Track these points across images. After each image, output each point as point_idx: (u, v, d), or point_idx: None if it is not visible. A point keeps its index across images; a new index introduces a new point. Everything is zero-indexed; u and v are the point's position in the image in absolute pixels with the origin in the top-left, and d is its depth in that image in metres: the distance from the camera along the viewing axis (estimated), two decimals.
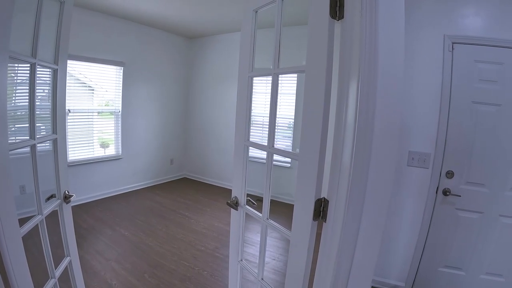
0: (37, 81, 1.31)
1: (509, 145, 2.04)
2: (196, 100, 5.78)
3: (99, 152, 4.56)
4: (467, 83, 2.12)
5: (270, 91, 1.32)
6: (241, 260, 1.66)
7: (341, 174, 1.02)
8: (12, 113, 1.88)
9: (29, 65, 1.27)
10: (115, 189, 4.73)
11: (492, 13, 2.04)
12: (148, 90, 5.07)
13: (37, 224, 1.31)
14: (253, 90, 1.49)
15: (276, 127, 1.37)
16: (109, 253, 2.91)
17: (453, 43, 2.11)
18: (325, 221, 1.08)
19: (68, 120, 3.93)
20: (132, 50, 4.66)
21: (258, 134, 4.49)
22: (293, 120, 4.59)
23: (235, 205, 1.56)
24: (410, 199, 2.34)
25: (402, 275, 2.43)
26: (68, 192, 1.57)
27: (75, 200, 3.62)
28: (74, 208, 3.40)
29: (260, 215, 1.42)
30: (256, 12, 1.40)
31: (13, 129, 1.72)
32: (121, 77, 4.59)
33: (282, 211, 2.18)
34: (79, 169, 4.18)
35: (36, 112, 1.33)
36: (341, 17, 0.98)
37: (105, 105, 4.62)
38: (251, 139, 1.54)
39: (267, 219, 1.41)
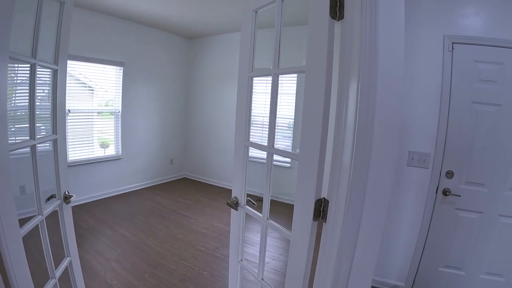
0: (37, 82, 1.31)
1: (509, 145, 2.04)
2: (196, 100, 5.78)
3: (99, 152, 4.56)
4: (467, 83, 2.12)
5: (270, 91, 1.32)
6: (241, 260, 1.66)
7: (341, 174, 1.02)
8: (12, 114, 1.88)
9: (29, 65, 1.27)
10: (115, 189, 4.73)
11: (492, 13, 2.04)
12: (148, 90, 5.07)
13: (37, 225, 1.30)
14: (253, 90, 1.49)
15: (276, 127, 1.37)
16: (109, 253, 2.91)
17: (453, 43, 2.11)
18: (325, 221, 1.08)
19: (68, 120, 3.93)
20: (132, 50, 4.66)
21: (258, 134, 4.49)
22: (293, 120, 4.59)
23: (235, 205, 1.56)
24: (410, 199, 2.34)
25: (402, 275, 2.44)
26: (68, 193, 1.57)
27: (75, 200, 3.62)
28: (74, 208, 3.40)
29: (260, 215, 1.42)
30: (256, 12, 1.40)
31: (13, 129, 1.72)
32: (121, 77, 4.59)
33: (282, 211, 2.18)
34: (79, 169, 4.18)
35: (36, 113, 1.32)
36: (341, 17, 0.99)
37: (105, 105, 4.62)
38: (251, 139, 1.54)
39: (267, 219, 1.41)
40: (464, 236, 2.22)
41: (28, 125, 1.31)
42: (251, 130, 1.54)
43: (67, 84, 1.58)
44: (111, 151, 4.73)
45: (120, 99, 4.64)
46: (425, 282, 2.38)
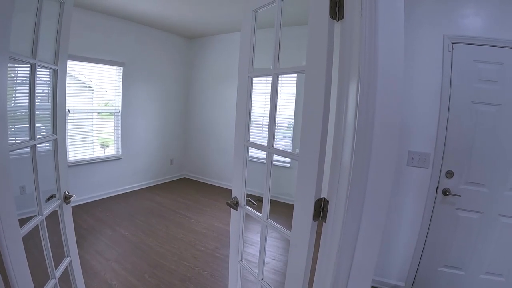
0: (37, 82, 1.31)
1: (508, 145, 2.05)
2: (196, 100, 5.78)
3: (99, 152, 4.56)
4: (466, 83, 2.12)
5: (270, 91, 1.32)
6: (241, 260, 1.66)
7: (341, 174, 1.02)
8: (12, 114, 1.88)
9: (29, 65, 1.27)
10: (115, 189, 4.73)
11: (492, 13, 2.04)
12: (148, 90, 5.07)
13: (37, 225, 1.31)
14: (253, 90, 1.49)
15: (276, 127, 1.37)
16: (109, 253, 2.91)
17: (452, 43, 2.11)
18: (325, 221, 1.09)
19: (68, 121, 3.93)
20: (132, 50, 4.66)
21: (258, 134, 4.49)
22: (293, 120, 4.59)
23: (235, 205, 1.57)
24: (410, 199, 2.34)
25: (402, 274, 2.44)
26: (68, 193, 1.57)
27: (75, 200, 3.62)
28: (74, 208, 3.40)
29: (260, 215, 1.42)
30: (256, 12, 1.40)
31: (13, 129, 1.72)
32: (121, 77, 4.59)
33: (282, 211, 2.18)
34: (79, 169, 4.18)
35: (36, 113, 1.33)
36: (341, 17, 0.99)
37: (105, 105, 4.62)
38: (251, 139, 1.54)
39: (267, 219, 1.41)
40: (464, 236, 2.22)
41: (28, 125, 1.31)
42: (251, 130, 1.54)
43: (67, 84, 1.58)
44: (111, 151, 4.73)
45: (120, 99, 4.64)
46: (425, 282, 2.38)
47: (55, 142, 1.49)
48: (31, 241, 1.25)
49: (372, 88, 0.93)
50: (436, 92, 2.18)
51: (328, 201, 1.07)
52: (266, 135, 1.37)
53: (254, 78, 1.47)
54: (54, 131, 1.49)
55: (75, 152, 4.17)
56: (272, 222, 1.39)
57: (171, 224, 3.72)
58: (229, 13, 4.04)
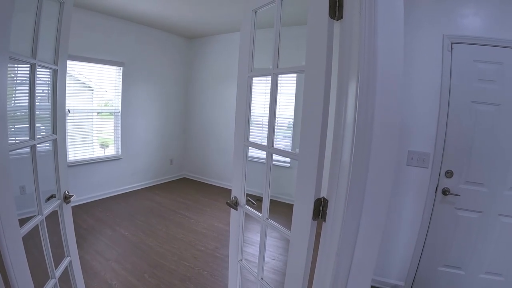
0: (37, 82, 1.31)
1: (508, 145, 2.05)
2: (196, 100, 5.79)
3: (99, 152, 4.56)
4: (466, 82, 2.12)
5: (269, 91, 1.32)
6: (241, 259, 1.66)
7: (340, 174, 1.02)
8: (12, 114, 1.88)
9: (29, 65, 1.27)
10: (115, 189, 4.73)
11: (491, 13, 2.04)
12: (147, 90, 5.07)
13: (37, 224, 1.31)
14: (253, 90, 1.50)
15: (275, 127, 1.37)
16: (109, 253, 2.91)
17: (452, 42, 2.11)
18: (324, 221, 1.09)
19: (68, 121, 3.93)
20: (131, 50, 4.66)
21: (258, 134, 4.49)
22: (292, 120, 4.59)
23: (234, 205, 1.57)
24: (410, 199, 2.34)
25: (402, 274, 2.44)
26: (68, 192, 1.57)
27: (75, 200, 3.62)
28: (74, 208, 3.40)
29: (260, 214, 1.43)
30: (255, 12, 1.40)
31: (13, 129, 1.72)
32: (121, 77, 4.59)
33: (282, 211, 2.18)
34: (79, 169, 4.18)
35: (36, 113, 1.33)
36: (340, 17, 0.99)
37: (104, 105, 4.62)
38: (251, 139, 1.55)
39: (267, 219, 1.41)
40: (464, 235, 2.22)
41: (28, 125, 1.32)
42: (250, 130, 1.54)
43: (67, 84, 1.58)
44: (111, 151, 4.73)
45: (120, 99, 4.64)
46: (424, 281, 2.38)
47: (55, 142, 1.50)
48: (31, 241, 1.25)
49: (371, 88, 0.93)
50: (435, 91, 2.18)
51: (327, 201, 1.07)
52: (266, 135, 1.37)
53: (253, 78, 1.48)
54: (54, 131, 1.49)
55: (75, 152, 4.17)
56: (271, 221, 1.39)
57: (171, 224, 3.72)
58: (229, 13, 4.05)
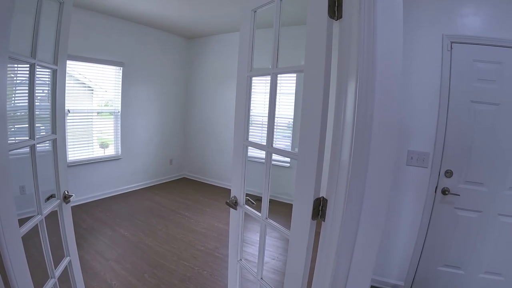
0: (37, 82, 1.31)
1: (507, 144, 2.05)
2: (196, 100, 5.79)
3: (98, 152, 4.56)
4: (466, 82, 2.12)
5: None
6: (241, 259, 1.67)
7: (339, 173, 1.02)
8: (12, 114, 1.89)
9: (28, 65, 1.27)
10: (115, 189, 4.73)
11: (491, 12, 2.05)
12: (147, 90, 5.07)
13: (37, 224, 1.31)
14: (253, 90, 1.50)
15: (275, 126, 1.37)
16: (109, 253, 2.91)
17: (452, 42, 2.11)
18: (324, 220, 1.09)
19: (68, 121, 3.93)
20: (131, 50, 4.66)
21: (258, 134, 4.49)
22: (292, 120, 4.59)
23: (234, 204, 1.57)
24: (409, 198, 2.34)
25: (402, 274, 2.44)
26: (67, 192, 1.57)
27: (75, 200, 3.62)
28: (74, 208, 3.40)
29: (259, 214, 1.43)
30: (255, 12, 1.40)
31: (13, 129, 1.72)
32: (121, 77, 4.59)
33: (281, 210, 2.18)
34: (78, 169, 4.18)
35: (36, 113, 1.33)
36: (339, 16, 0.99)
37: (104, 105, 4.62)
38: (250, 139, 1.55)
39: (266, 218, 1.41)
40: (463, 235, 2.22)
41: (27, 125, 1.32)
42: (250, 130, 1.54)
43: (66, 84, 1.58)
44: (110, 151, 4.73)
45: (120, 99, 4.64)
46: (424, 281, 2.38)
47: (54, 142, 1.50)
48: (30, 241, 1.25)
49: (370, 87, 0.93)
50: (435, 91, 2.19)
51: (327, 200, 1.07)
52: (266, 135, 1.38)
53: (253, 78, 1.48)
54: (54, 131, 1.50)
55: (75, 152, 4.17)
56: (271, 221, 1.39)
57: (170, 224, 3.72)
58: (228, 13, 4.05)
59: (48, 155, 1.49)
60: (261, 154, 1.41)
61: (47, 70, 1.46)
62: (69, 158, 4.00)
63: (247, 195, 1.57)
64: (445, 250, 2.29)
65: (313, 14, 1.05)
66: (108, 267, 2.67)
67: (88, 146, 4.35)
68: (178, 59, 5.60)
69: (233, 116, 1.60)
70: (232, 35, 5.11)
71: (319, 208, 1.08)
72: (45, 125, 1.52)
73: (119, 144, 4.76)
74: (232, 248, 1.69)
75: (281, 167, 4.62)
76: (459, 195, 2.19)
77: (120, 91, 4.62)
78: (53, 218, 1.50)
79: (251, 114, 1.55)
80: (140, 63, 4.84)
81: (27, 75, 1.29)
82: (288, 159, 4.49)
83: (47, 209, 1.40)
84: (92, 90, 4.39)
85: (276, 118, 1.37)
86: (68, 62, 1.61)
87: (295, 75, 4.27)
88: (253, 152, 2.70)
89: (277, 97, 1.33)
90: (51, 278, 1.42)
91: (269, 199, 1.40)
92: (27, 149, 1.29)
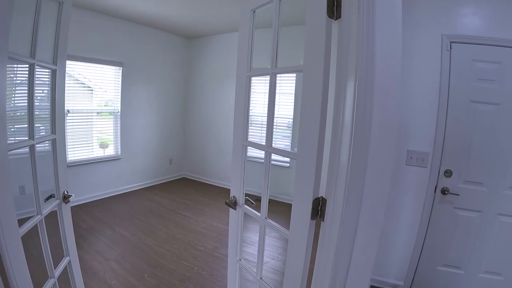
0: (36, 82, 1.31)
1: (507, 144, 2.05)
2: (195, 100, 5.79)
3: (98, 152, 4.56)
4: (465, 82, 2.12)
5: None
6: (240, 259, 1.67)
7: (338, 173, 1.02)
8: (11, 114, 1.89)
9: (28, 65, 1.27)
10: (115, 189, 4.73)
11: (490, 12, 2.05)
12: (147, 90, 5.07)
13: (36, 224, 1.31)
14: (252, 90, 1.50)
15: (275, 126, 1.37)
16: (109, 253, 2.91)
17: (451, 42, 2.12)
18: (323, 220, 1.09)
19: (68, 121, 3.93)
20: (131, 50, 4.66)
21: (257, 134, 4.49)
22: (292, 120, 4.59)
23: (233, 204, 1.57)
24: (409, 198, 2.34)
25: (401, 274, 2.44)
26: (67, 192, 1.57)
27: (75, 200, 3.63)
28: (74, 209, 3.40)
29: (259, 214, 1.43)
30: (254, 12, 1.41)
31: (12, 129, 1.73)
32: (120, 77, 4.59)
33: (281, 210, 2.19)
34: (78, 170, 4.18)
35: (35, 113, 1.33)
36: (338, 16, 0.99)
37: (104, 106, 4.62)
38: (250, 139, 1.55)
39: (266, 218, 1.41)
40: (463, 235, 2.22)
41: (27, 125, 1.32)
42: (250, 130, 1.55)
43: (66, 84, 1.58)
44: (110, 151, 4.73)
45: (119, 99, 4.64)
46: (424, 281, 2.38)
47: (54, 142, 1.50)
48: (30, 241, 1.25)
49: (369, 87, 0.93)
50: (434, 91, 2.19)
51: (326, 200, 1.07)
52: (265, 135, 1.38)
53: (253, 78, 1.48)
54: (53, 131, 1.50)
55: (75, 152, 4.17)
56: (270, 221, 1.39)
57: (170, 224, 3.72)
58: (228, 13, 4.05)
59: (48, 155, 1.49)
60: (261, 154, 1.41)
61: (47, 70, 1.46)
62: (69, 158, 4.00)
63: (246, 195, 1.57)
64: (444, 250, 2.29)
65: (312, 14, 1.05)
66: (108, 267, 2.67)
67: (87, 146, 4.35)
68: (177, 59, 5.60)
69: (233, 116, 1.60)
70: (231, 35, 5.11)
71: (318, 208, 1.08)
72: (45, 125, 1.52)
73: (119, 144, 4.76)
74: (232, 248, 1.69)
75: (281, 167, 4.62)
76: (458, 195, 2.19)
77: (119, 91, 4.62)
78: (52, 218, 1.50)
79: (250, 114, 1.55)
80: (140, 63, 4.84)
81: (27, 75, 1.29)
82: (287, 159, 4.49)
83: (47, 209, 1.40)
84: (92, 90, 4.38)
85: (275, 118, 1.37)
86: (67, 62, 1.61)
87: (294, 75, 4.27)
88: (252, 152, 2.71)
89: (277, 97, 1.34)
90: (51, 278, 1.42)
91: (269, 199, 1.41)
92: (26, 149, 1.29)
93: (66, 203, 1.57)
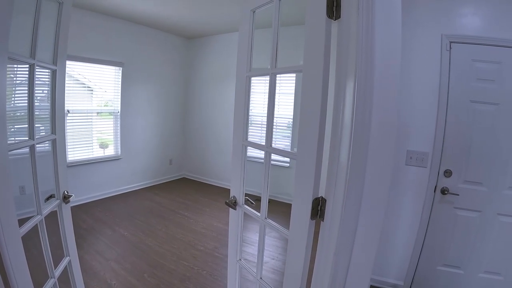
0: (36, 82, 1.31)
1: (507, 144, 2.05)
2: (195, 100, 5.79)
3: (98, 153, 4.56)
4: (465, 82, 2.12)
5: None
6: (240, 259, 1.67)
7: (338, 173, 1.02)
8: (12, 114, 1.89)
9: (28, 66, 1.27)
10: (115, 189, 4.73)
11: (490, 12, 2.05)
12: (147, 91, 5.08)
13: (36, 224, 1.31)
14: (252, 90, 1.50)
15: (275, 126, 1.38)
16: (109, 253, 2.91)
17: (451, 42, 2.12)
18: (322, 220, 1.09)
19: (68, 121, 3.93)
20: (131, 50, 4.66)
21: (257, 134, 4.49)
22: (291, 120, 4.59)
23: (233, 204, 1.57)
24: (409, 198, 2.35)
25: (401, 274, 2.44)
26: (67, 192, 1.58)
27: (75, 200, 3.63)
28: (74, 209, 3.40)
29: (259, 214, 1.43)
30: (253, 12, 1.41)
31: (13, 129, 1.73)
32: (120, 77, 4.59)
33: (281, 210, 2.19)
34: (78, 170, 4.18)
35: (35, 113, 1.33)
36: (338, 16, 0.99)
37: (104, 106, 4.62)
38: (250, 139, 1.55)
39: (266, 218, 1.41)
40: (463, 235, 2.22)
41: (27, 125, 1.32)
42: (250, 130, 1.55)
43: (66, 85, 1.58)
44: (110, 151, 4.73)
45: (119, 99, 4.64)
46: (423, 281, 2.38)
47: (54, 142, 1.50)
48: (30, 241, 1.25)
49: (369, 87, 0.93)
50: (434, 91, 2.19)
51: (325, 200, 1.07)
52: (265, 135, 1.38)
53: (252, 78, 1.48)
54: (53, 131, 1.50)
55: (75, 152, 4.17)
56: (270, 221, 1.40)
57: (170, 224, 3.72)
58: (228, 13, 4.05)
59: (48, 155, 1.50)
60: (261, 154, 1.42)
61: (47, 71, 1.46)
62: (69, 158, 4.00)
63: (246, 195, 1.57)
64: (444, 249, 2.29)
65: (311, 14, 1.05)
66: (108, 267, 2.67)
67: (87, 146, 4.36)
68: (177, 59, 5.60)
69: (233, 116, 1.60)
70: (231, 35, 5.11)
71: (318, 208, 1.08)
72: (45, 125, 1.52)
73: (119, 144, 4.76)
74: (232, 248, 1.69)
75: (281, 167, 4.62)
76: (458, 194, 2.19)
77: (119, 91, 4.62)
78: (53, 218, 1.50)
79: (250, 114, 1.55)
80: (140, 63, 4.84)
81: (27, 76, 1.29)
82: (287, 159, 4.49)
83: (47, 209, 1.40)
84: (92, 90, 4.39)
85: (275, 118, 1.37)
86: (67, 62, 1.61)
87: (294, 75, 4.27)
88: (252, 152, 2.71)
89: (277, 97, 1.34)
90: (51, 278, 1.43)
91: (269, 199, 1.41)
92: (26, 149, 1.29)
93: (66, 203, 1.58)
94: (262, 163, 1.39)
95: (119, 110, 4.67)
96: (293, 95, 4.46)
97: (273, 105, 1.33)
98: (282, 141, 4.75)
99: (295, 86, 4.44)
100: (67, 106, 3.82)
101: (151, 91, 5.16)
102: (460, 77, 2.13)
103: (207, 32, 5.21)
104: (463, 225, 2.21)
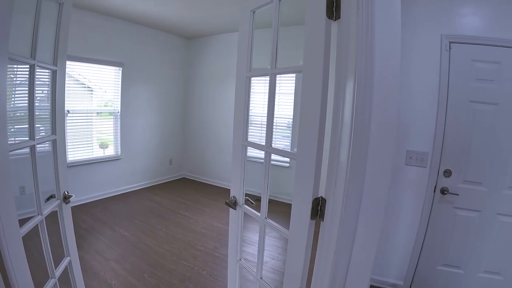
0: (36, 82, 1.31)
1: (506, 144, 2.05)
2: (195, 100, 5.79)
3: (98, 153, 4.57)
4: (464, 82, 2.13)
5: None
6: (240, 259, 1.67)
7: (338, 173, 1.03)
8: (12, 114, 1.89)
9: (28, 66, 1.28)
10: (115, 189, 4.74)
11: (490, 12, 2.05)
12: (147, 91, 5.08)
13: (37, 225, 1.31)
14: (252, 90, 1.50)
15: (274, 127, 1.38)
16: (109, 253, 2.92)
17: (450, 42, 2.12)
18: (322, 220, 1.09)
19: (68, 121, 3.93)
20: (130, 50, 4.67)
21: (257, 134, 4.50)
22: (291, 120, 4.60)
23: (233, 204, 1.57)
24: (408, 198, 2.35)
25: (401, 273, 2.44)
26: (67, 193, 1.58)
27: (75, 200, 3.63)
28: (74, 209, 3.39)
29: (259, 214, 1.43)
30: (253, 12, 1.41)
31: (13, 130, 1.72)
32: (120, 77, 4.59)
33: (281, 210, 2.19)
34: (78, 170, 4.18)
35: (36, 113, 1.33)
36: (337, 17, 0.99)
37: (104, 106, 4.62)
38: (250, 139, 1.55)
39: (266, 218, 1.41)
40: (462, 234, 2.22)
41: (27, 125, 1.32)
42: (250, 130, 1.55)
43: (66, 85, 1.59)
44: (110, 151, 4.73)
45: (119, 100, 4.64)
46: (423, 280, 2.38)
47: (54, 142, 1.50)
48: (31, 241, 1.25)
49: (368, 88, 0.94)
50: (434, 91, 2.19)
51: (325, 200, 1.08)
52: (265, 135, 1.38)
53: (252, 78, 1.48)
54: (54, 132, 1.50)
55: (75, 152, 4.17)
56: (270, 221, 1.40)
57: (170, 224, 3.72)
58: (228, 13, 4.05)
59: (48, 156, 1.50)
60: (261, 154, 1.42)
61: (47, 71, 1.46)
62: (69, 159, 4.01)
63: (246, 195, 1.58)
64: (444, 249, 2.29)
65: (311, 15, 1.05)
66: (108, 267, 2.67)
67: (88, 146, 4.36)
68: (177, 59, 5.60)
69: (233, 116, 1.61)
70: (231, 35, 5.12)
71: (318, 208, 1.09)
72: (45, 125, 1.52)
73: (119, 144, 4.76)
74: (232, 248, 1.70)
75: (281, 167, 4.62)
76: (458, 194, 2.19)
77: (119, 91, 4.62)
78: (53, 218, 1.50)
79: (250, 114, 1.56)
80: (140, 63, 4.85)
81: (27, 76, 1.29)
82: (287, 159, 4.49)
83: (47, 209, 1.40)
84: (92, 90, 4.39)
85: (275, 118, 1.37)
86: (67, 62, 1.61)
87: (294, 75, 4.27)
88: (252, 152, 2.71)
89: (277, 97, 1.34)
90: (51, 278, 1.43)
91: (269, 199, 1.41)
92: (27, 150, 1.29)
93: (66, 204, 1.58)
94: (262, 163, 1.40)
95: (119, 110, 4.67)
96: (293, 95, 4.47)
97: (273, 105, 1.33)
98: (282, 141, 4.76)
99: (295, 86, 4.44)
100: (67, 106, 3.82)
101: (151, 91, 5.16)
102: (459, 77, 2.13)
103: (207, 32, 5.21)
104: (462, 225, 2.21)
